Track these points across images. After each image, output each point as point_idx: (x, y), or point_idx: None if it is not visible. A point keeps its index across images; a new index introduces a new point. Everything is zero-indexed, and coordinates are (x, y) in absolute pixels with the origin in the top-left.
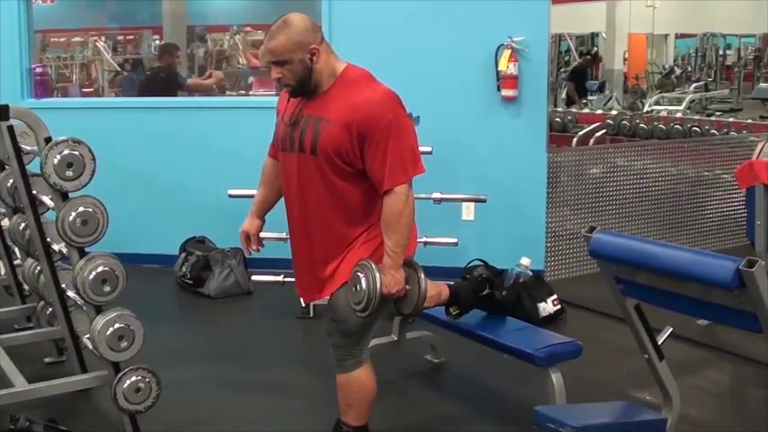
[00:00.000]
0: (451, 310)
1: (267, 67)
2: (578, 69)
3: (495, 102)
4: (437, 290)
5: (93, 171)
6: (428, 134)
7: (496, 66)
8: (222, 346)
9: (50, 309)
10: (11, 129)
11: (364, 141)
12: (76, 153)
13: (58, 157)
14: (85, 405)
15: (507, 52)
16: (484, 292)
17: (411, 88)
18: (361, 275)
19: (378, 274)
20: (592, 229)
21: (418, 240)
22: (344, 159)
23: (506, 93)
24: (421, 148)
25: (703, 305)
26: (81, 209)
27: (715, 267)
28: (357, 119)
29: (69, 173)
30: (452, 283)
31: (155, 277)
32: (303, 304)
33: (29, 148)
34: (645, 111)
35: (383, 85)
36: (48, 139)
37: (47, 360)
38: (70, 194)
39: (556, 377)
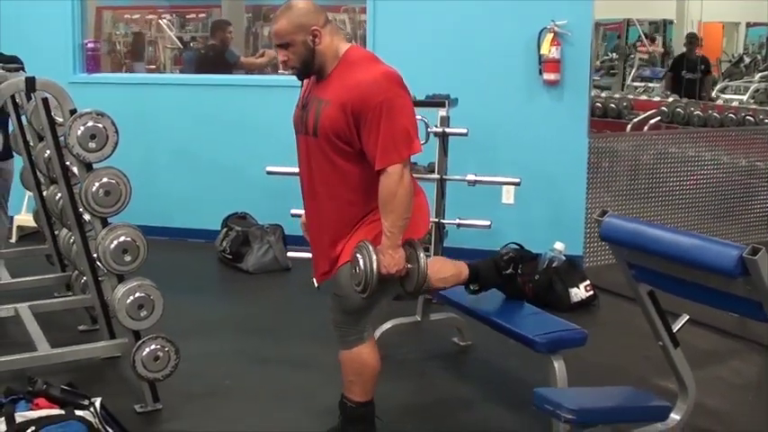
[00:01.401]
0: (471, 286)
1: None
2: (679, 60)
3: (537, 85)
4: (456, 269)
5: (116, 143)
6: (467, 117)
7: (539, 49)
8: (254, 320)
9: (84, 277)
10: (45, 101)
11: (359, 121)
12: (100, 125)
13: (82, 128)
14: (112, 373)
15: (550, 36)
16: (507, 271)
17: (452, 71)
18: (359, 256)
19: (374, 256)
20: (604, 213)
21: (451, 222)
22: (343, 140)
23: (548, 77)
24: (455, 130)
25: (711, 292)
26: (105, 180)
27: (718, 254)
28: (351, 99)
29: (92, 144)
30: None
31: (197, 251)
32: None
33: (61, 120)
34: (712, 97)
35: (384, 65)
36: (72, 111)
37: (81, 328)
38: (94, 166)
39: (558, 364)
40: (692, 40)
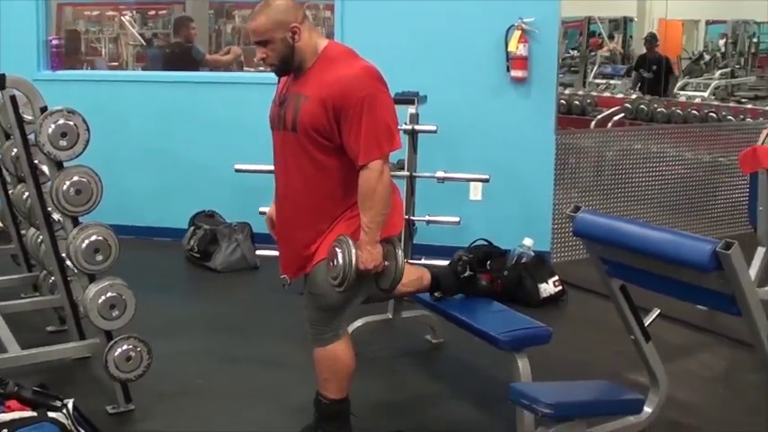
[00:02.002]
0: (435, 294)
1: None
2: (642, 58)
3: (505, 82)
4: (418, 274)
5: (87, 141)
6: (436, 114)
7: (506, 47)
8: (223, 319)
9: (52, 278)
10: (13, 98)
11: (339, 116)
12: (71, 123)
13: (53, 126)
14: (83, 373)
15: (517, 33)
16: (465, 275)
17: (420, 68)
18: (338, 250)
19: (354, 250)
20: (577, 209)
21: (421, 219)
22: (323, 135)
23: (515, 74)
24: (424, 127)
25: (684, 286)
26: (75, 178)
27: (692, 249)
28: (332, 94)
29: (63, 142)
30: (436, 268)
31: (164, 250)
32: (288, 281)
33: (31, 118)
34: (673, 95)
35: (363, 60)
36: (43, 109)
37: (49, 329)
38: (65, 164)
39: (522, 362)
40: (651, 40)
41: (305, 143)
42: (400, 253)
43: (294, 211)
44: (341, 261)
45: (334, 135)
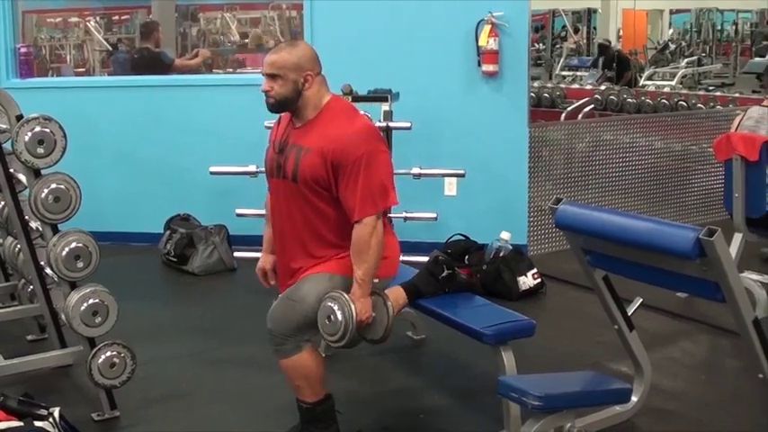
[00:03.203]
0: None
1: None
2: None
3: (476, 77)
4: (394, 296)
5: (65, 148)
6: (408, 110)
7: (477, 41)
8: (204, 322)
9: (31, 286)
10: None
11: (338, 172)
12: (47, 130)
13: (29, 134)
14: (65, 382)
15: (487, 27)
16: (443, 274)
17: (391, 64)
18: (334, 307)
19: (352, 306)
20: (558, 201)
21: (398, 215)
22: (322, 186)
23: (487, 68)
24: (399, 124)
25: (667, 275)
26: (53, 185)
27: (675, 237)
28: (332, 150)
29: (40, 150)
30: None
31: (140, 255)
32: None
33: (4, 127)
34: (640, 86)
35: (364, 118)
36: (19, 117)
37: (29, 338)
38: (42, 171)
39: (507, 355)
40: (602, 49)
41: (306, 193)
42: (390, 304)
43: (293, 245)
44: (340, 317)
45: (332, 187)
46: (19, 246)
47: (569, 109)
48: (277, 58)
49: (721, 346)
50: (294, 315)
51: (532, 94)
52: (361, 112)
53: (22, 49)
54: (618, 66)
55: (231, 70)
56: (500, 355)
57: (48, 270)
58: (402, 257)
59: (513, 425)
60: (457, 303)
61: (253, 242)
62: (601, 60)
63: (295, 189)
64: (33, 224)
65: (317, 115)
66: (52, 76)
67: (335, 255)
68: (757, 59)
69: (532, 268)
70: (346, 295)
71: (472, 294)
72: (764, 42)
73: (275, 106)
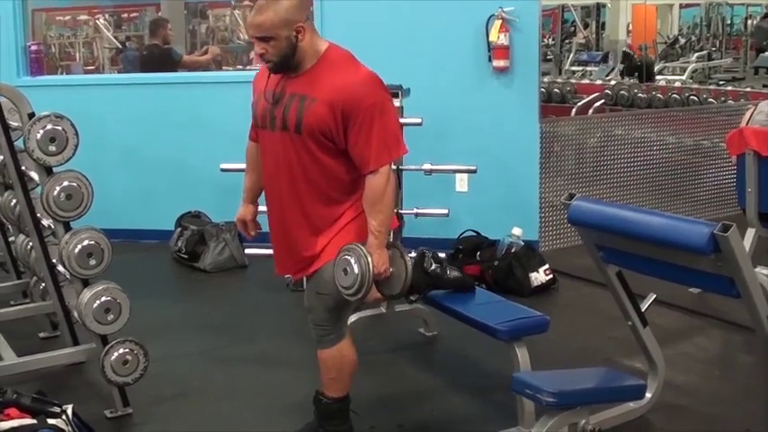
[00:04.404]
0: (411, 297)
1: (252, 40)
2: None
3: (487, 73)
4: None
5: (76, 146)
6: (419, 106)
7: (487, 37)
8: (215, 319)
9: (43, 284)
10: None
11: (348, 122)
12: (59, 128)
13: (41, 132)
14: (78, 379)
15: (498, 23)
16: (432, 268)
17: (402, 60)
18: (351, 259)
19: (369, 258)
20: (571, 197)
21: (409, 212)
22: (328, 137)
23: (497, 63)
24: (410, 120)
25: (681, 271)
26: (65, 183)
27: (690, 232)
28: (342, 99)
29: (52, 148)
30: None
31: (151, 253)
32: (293, 280)
33: (16, 125)
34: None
35: (365, 67)
36: (31, 115)
37: (41, 335)
38: (54, 169)
39: (521, 351)
40: (625, 57)
41: (310, 144)
42: (407, 257)
43: (292, 212)
44: (357, 270)
45: (339, 139)
46: (31, 243)
47: (580, 104)
48: (264, 20)
49: (735, 341)
50: (331, 304)
51: (543, 89)
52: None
53: (33, 47)
54: (640, 74)
55: (241, 67)
56: (514, 351)
57: (60, 267)
58: (414, 254)
59: (528, 421)
60: (471, 300)
61: (264, 239)
62: (622, 66)
63: (297, 140)
64: (45, 222)
65: (316, 63)
66: (61, 73)
67: (340, 217)
68: (767, 54)
69: (544, 264)
70: (363, 247)
71: (484, 290)
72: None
73: (277, 66)
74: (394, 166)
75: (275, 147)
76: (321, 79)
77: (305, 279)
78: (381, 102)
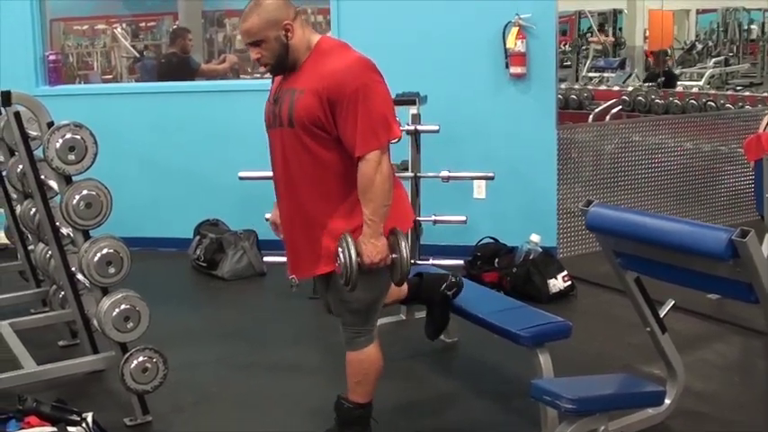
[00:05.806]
0: None
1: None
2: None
3: (504, 79)
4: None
5: (95, 154)
6: (436, 113)
7: (504, 43)
8: (234, 326)
9: (62, 292)
10: (17, 115)
11: (335, 108)
12: (78, 137)
13: (60, 141)
14: (97, 387)
15: (515, 29)
16: (449, 292)
17: (419, 67)
18: (339, 250)
19: (353, 247)
20: (589, 203)
21: (427, 219)
22: (320, 127)
23: (514, 70)
24: (427, 127)
25: (700, 277)
26: (84, 192)
27: (708, 238)
28: (326, 86)
29: (71, 156)
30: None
31: (170, 261)
32: (296, 282)
33: (35, 134)
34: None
35: (356, 52)
36: (50, 124)
37: (61, 343)
38: (73, 178)
39: (544, 357)
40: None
41: (303, 137)
42: (405, 244)
43: (297, 210)
44: (343, 260)
45: (330, 127)
46: (50, 252)
47: (597, 110)
48: (250, 26)
49: (754, 347)
50: (354, 309)
51: (560, 95)
52: (354, 48)
53: (51, 57)
54: (666, 82)
55: (258, 75)
56: (537, 357)
57: (79, 276)
58: (432, 261)
59: (551, 428)
60: (492, 306)
61: (283, 246)
62: (646, 73)
63: (292, 135)
64: (64, 230)
65: (308, 57)
66: (80, 83)
67: (342, 211)
68: None
69: (562, 270)
70: (351, 238)
71: (505, 296)
72: None
73: (275, 68)
74: (411, 173)
75: (278, 145)
76: (310, 70)
77: (313, 280)
78: (366, 84)
